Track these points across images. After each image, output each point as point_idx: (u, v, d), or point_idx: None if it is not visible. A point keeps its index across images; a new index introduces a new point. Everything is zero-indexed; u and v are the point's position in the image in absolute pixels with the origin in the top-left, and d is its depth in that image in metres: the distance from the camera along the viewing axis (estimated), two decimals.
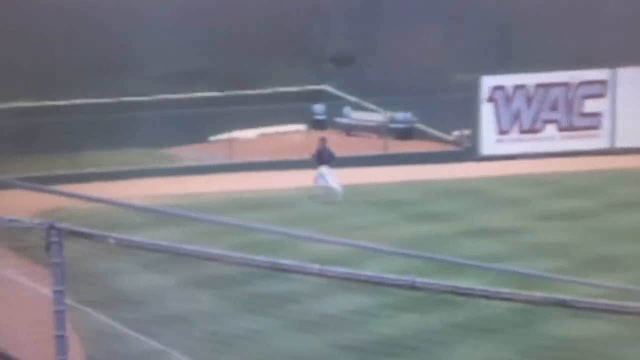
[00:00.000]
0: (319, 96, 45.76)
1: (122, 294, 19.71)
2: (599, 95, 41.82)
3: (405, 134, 42.87)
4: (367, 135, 43.48)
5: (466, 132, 41.96)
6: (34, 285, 16.77)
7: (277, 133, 43.07)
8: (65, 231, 7.86)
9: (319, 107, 45.28)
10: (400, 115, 43.22)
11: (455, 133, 42.16)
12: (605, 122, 41.83)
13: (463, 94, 40.43)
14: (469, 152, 41.29)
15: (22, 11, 42.05)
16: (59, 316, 7.94)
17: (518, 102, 41.69)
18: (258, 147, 41.37)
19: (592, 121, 41.89)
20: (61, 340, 7.94)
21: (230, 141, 40.91)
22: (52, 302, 7.95)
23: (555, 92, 41.81)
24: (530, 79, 41.56)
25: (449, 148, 41.81)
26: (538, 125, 41.91)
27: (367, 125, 43.86)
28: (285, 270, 7.69)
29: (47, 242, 7.83)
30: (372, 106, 43.97)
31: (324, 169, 34.44)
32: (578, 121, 41.90)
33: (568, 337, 17.42)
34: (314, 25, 45.23)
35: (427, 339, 18.06)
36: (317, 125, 44.48)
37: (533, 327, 17.20)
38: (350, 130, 44.48)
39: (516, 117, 41.80)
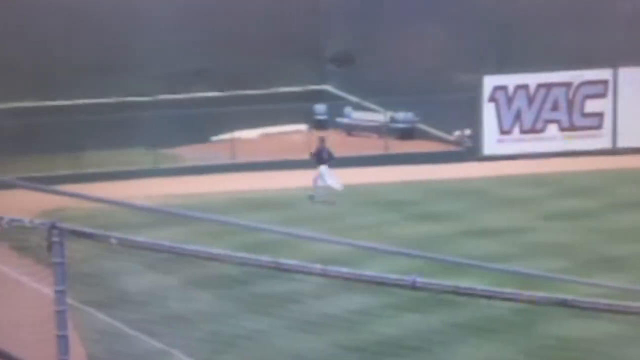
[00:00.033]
0: (320, 96, 45.77)
1: (124, 294, 19.71)
2: (601, 95, 41.80)
3: (407, 134, 42.86)
4: (368, 135, 43.47)
5: (467, 132, 41.95)
6: (36, 285, 16.78)
7: (279, 133, 43.07)
8: (67, 231, 7.86)
9: (320, 107, 45.29)
10: (401, 115, 43.21)
11: (457, 133, 42.16)
12: (607, 122, 41.81)
13: (464, 94, 40.44)
14: (470, 152, 41.28)
15: (22, 11, 42.06)
16: (60, 316, 7.94)
17: (519, 102, 41.68)
18: (260, 147, 41.38)
19: (594, 121, 41.87)
20: (62, 340, 7.95)
21: (232, 141, 40.92)
22: (53, 302, 7.95)
23: (557, 92, 41.79)
24: (531, 79, 41.54)
25: (450, 148, 41.80)
26: (539, 125, 41.89)
27: (368, 125, 43.86)
28: (287, 270, 7.68)
29: (49, 242, 7.83)
30: (373, 106, 43.96)
31: (323, 169, 34.41)
32: (580, 121, 41.88)
33: (570, 337, 17.42)
34: (315, 25, 45.23)
35: (429, 339, 18.06)
36: (319, 125, 44.49)
37: (535, 327, 17.21)
38: (351, 130, 44.48)
39: (517, 117, 41.79)
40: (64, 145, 37.45)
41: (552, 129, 41.88)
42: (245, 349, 17.20)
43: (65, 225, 7.86)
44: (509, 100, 41.70)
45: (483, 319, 14.85)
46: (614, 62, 41.25)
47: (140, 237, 8.29)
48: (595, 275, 21.88)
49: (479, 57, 42.46)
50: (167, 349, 17.46)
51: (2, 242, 20.27)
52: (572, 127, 41.85)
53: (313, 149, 35.65)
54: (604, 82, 41.75)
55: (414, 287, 7.35)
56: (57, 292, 7.94)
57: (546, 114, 41.82)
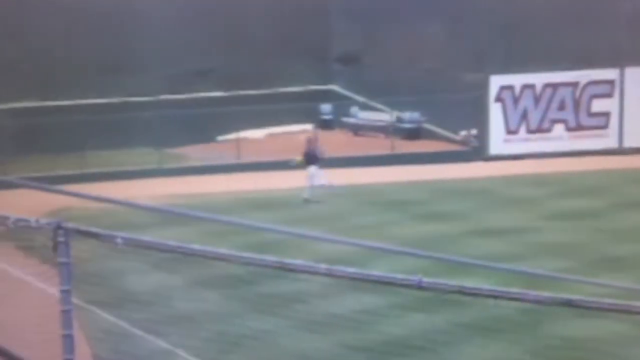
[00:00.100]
0: (326, 96, 45.79)
1: (129, 294, 19.73)
2: (607, 95, 41.76)
3: (413, 133, 42.86)
4: (375, 135, 43.48)
5: (473, 131, 41.94)
6: (41, 284, 16.80)
7: (285, 133, 43.08)
8: (73, 231, 7.86)
9: (326, 107, 45.30)
10: (407, 115, 43.21)
11: (463, 133, 42.14)
12: (613, 121, 41.78)
13: (471, 93, 40.43)
14: (476, 151, 41.27)
15: (22, 11, 42.11)
16: (66, 315, 7.95)
17: (526, 102, 41.65)
18: (265, 147, 41.39)
19: (600, 121, 41.84)
20: (68, 340, 7.95)
21: (237, 141, 40.94)
22: (59, 302, 7.96)
23: (563, 92, 41.76)
24: (538, 79, 41.52)
25: (457, 148, 41.80)
26: (546, 125, 41.86)
27: (374, 125, 43.86)
28: (292, 270, 7.68)
29: (54, 242, 7.84)
30: (379, 106, 43.97)
31: (312, 169, 34.29)
32: (586, 121, 41.85)
33: (575, 337, 17.40)
34: (321, 25, 45.24)
35: (434, 339, 18.05)
36: (325, 125, 44.52)
37: (540, 327, 17.18)
38: (357, 130, 44.49)
39: (524, 116, 41.76)
40: (68, 146, 37.51)
41: (559, 128, 41.85)
42: (251, 349, 17.20)
43: (71, 225, 7.86)
44: (516, 100, 41.67)
45: (489, 318, 14.83)
46: (620, 62, 41.21)
47: (146, 237, 8.29)
48: (601, 275, 21.86)
49: (486, 56, 42.45)
50: (173, 349, 17.46)
51: (8, 242, 20.32)
52: (579, 127, 41.82)
53: (302, 151, 35.12)
54: (611, 82, 41.72)
55: (419, 287, 7.35)
56: (62, 291, 7.95)
57: (553, 114, 41.80)
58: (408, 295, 9.35)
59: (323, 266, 7.61)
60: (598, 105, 41.70)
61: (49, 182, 26.60)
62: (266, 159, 39.55)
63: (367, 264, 18.53)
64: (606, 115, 41.81)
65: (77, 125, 37.51)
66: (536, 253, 26.13)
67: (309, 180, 33.97)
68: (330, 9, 46.05)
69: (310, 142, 35.45)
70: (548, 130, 41.82)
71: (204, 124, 41.39)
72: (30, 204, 17.96)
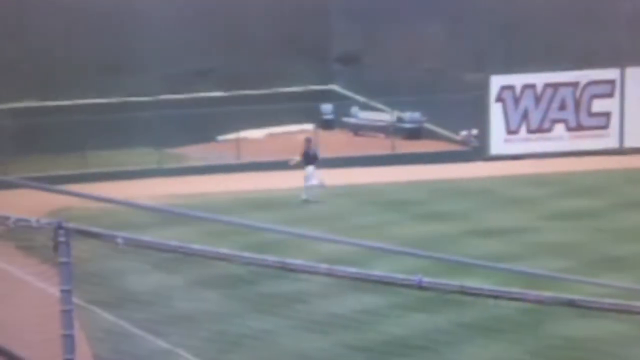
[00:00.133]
0: (326, 96, 45.78)
1: (130, 294, 19.73)
2: (608, 95, 41.76)
3: (414, 133, 42.85)
4: (375, 135, 43.47)
5: (474, 131, 41.93)
6: (42, 284, 16.79)
7: (285, 133, 43.07)
8: (73, 231, 7.87)
9: (326, 107, 45.29)
10: (408, 115, 43.20)
11: (463, 133, 42.14)
12: (614, 121, 41.77)
13: (471, 93, 40.43)
14: (477, 151, 41.27)
15: (22, 11, 42.10)
16: (66, 315, 7.95)
17: (526, 102, 41.65)
18: (266, 147, 41.37)
19: (601, 121, 41.83)
20: (68, 340, 7.95)
21: (237, 141, 40.93)
22: (59, 302, 7.96)
23: (564, 92, 41.75)
24: (538, 79, 41.52)
25: (457, 148, 41.80)
26: (546, 125, 41.86)
27: (375, 125, 43.85)
28: (293, 270, 7.68)
29: (55, 242, 7.84)
30: (380, 106, 43.96)
31: (310, 169, 34.30)
32: (587, 121, 41.84)
33: (576, 337, 17.40)
34: (322, 25, 45.24)
35: (435, 339, 18.04)
36: (325, 125, 44.52)
37: (541, 327, 17.17)
38: (358, 130, 44.47)
39: (524, 116, 41.76)
40: (68, 146, 37.52)
41: (559, 128, 41.84)
42: (251, 349, 17.19)
43: (72, 225, 7.87)
44: (516, 100, 41.67)
45: (490, 318, 14.82)
46: (621, 61, 41.21)
47: (146, 237, 8.29)
48: (601, 275, 21.85)
49: (486, 56, 42.45)
50: (173, 349, 17.46)
51: (8, 242, 20.32)
52: (579, 127, 41.81)
53: (301, 151, 35.14)
54: (611, 82, 41.71)
55: (420, 286, 7.35)
56: (63, 291, 7.95)
57: (553, 114, 41.79)
58: (408, 295, 9.34)
59: (324, 266, 7.62)
60: (599, 105, 41.70)
61: (49, 182, 26.60)
62: (266, 159, 39.54)
63: (367, 264, 18.51)
64: (607, 115, 41.80)
65: (77, 125, 37.51)
66: (536, 253, 26.12)
67: (306, 181, 33.97)
68: (330, 9, 46.04)
69: (309, 142, 35.48)
70: (549, 130, 41.81)
71: (204, 124, 41.39)
72: (30, 204, 17.97)
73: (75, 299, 8.02)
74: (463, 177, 37.42)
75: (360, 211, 32.36)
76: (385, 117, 43.24)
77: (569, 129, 41.86)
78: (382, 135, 42.97)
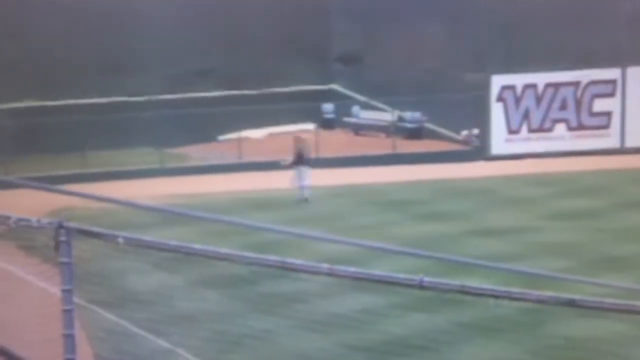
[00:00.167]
0: (327, 96, 45.77)
1: (130, 294, 19.73)
2: (609, 95, 41.74)
3: (415, 133, 42.84)
4: (376, 134, 43.47)
5: (475, 131, 41.93)
6: (43, 284, 16.80)
7: (286, 132, 43.06)
8: (74, 230, 7.87)
9: (327, 107, 45.28)
10: (409, 114, 43.19)
11: (464, 132, 42.14)
12: (615, 121, 41.76)
13: (472, 93, 40.43)
14: (478, 151, 41.27)
15: (22, 11, 42.11)
16: (67, 315, 7.95)
17: (527, 102, 41.64)
18: (266, 147, 41.36)
19: (602, 121, 41.82)
20: (69, 339, 7.96)
21: (239, 141, 40.94)
22: (60, 301, 7.96)
23: (565, 92, 41.74)
24: (539, 79, 41.51)
25: (458, 148, 41.80)
26: (547, 124, 41.85)
27: (376, 125, 43.84)
28: (294, 269, 7.69)
29: (56, 242, 7.84)
30: (381, 106, 43.96)
31: (304, 169, 34.32)
32: (588, 121, 41.83)
33: (576, 337, 17.40)
34: (322, 24, 45.24)
35: (436, 338, 18.05)
36: (326, 124, 44.51)
37: (542, 327, 17.19)
38: (359, 129, 44.47)
39: (525, 116, 41.75)
40: (69, 145, 37.52)
41: (560, 128, 41.83)
42: (252, 349, 17.20)
43: (73, 224, 7.87)
44: (517, 99, 41.66)
45: (490, 318, 14.83)
46: (622, 61, 41.20)
47: (147, 237, 8.30)
48: (602, 275, 21.86)
49: (486, 56, 42.45)
50: (174, 349, 17.46)
51: (9, 242, 20.31)
52: (580, 127, 41.80)
53: (294, 152, 35.14)
54: (613, 82, 41.70)
55: (421, 286, 7.36)
56: (64, 291, 7.95)
57: (554, 114, 41.78)
58: (409, 295, 9.35)
59: (325, 266, 7.62)
60: (600, 105, 41.69)
61: (50, 182, 26.60)
62: (267, 158, 39.54)
63: (367, 264, 18.48)
64: (608, 115, 41.80)
65: (77, 125, 37.51)
66: (536, 253, 26.13)
67: (299, 181, 33.97)
68: (330, 9, 46.04)
69: (299, 141, 35.46)
70: (549, 130, 41.80)
71: (204, 124, 41.39)
72: (31, 204, 17.95)
73: (76, 299, 8.02)
74: (464, 176, 37.41)
75: (361, 211, 32.36)
76: (386, 116, 43.24)
77: (570, 128, 41.85)
78: (383, 135, 42.97)
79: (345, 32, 45.67)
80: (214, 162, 40.17)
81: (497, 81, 41.58)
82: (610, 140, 41.53)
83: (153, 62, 42.74)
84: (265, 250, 9.19)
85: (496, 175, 37.62)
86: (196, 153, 41.65)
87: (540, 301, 7.27)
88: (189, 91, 43.54)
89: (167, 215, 26.96)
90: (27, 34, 41.55)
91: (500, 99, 41.62)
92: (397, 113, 43.10)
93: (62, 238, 7.82)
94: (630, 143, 41.28)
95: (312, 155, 37.13)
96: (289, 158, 34.63)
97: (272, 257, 7.71)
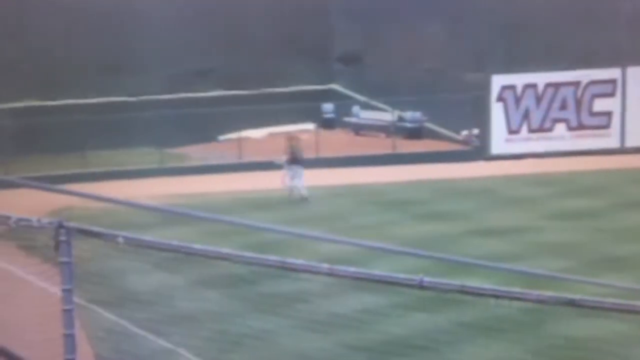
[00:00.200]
0: (327, 95, 45.79)
1: (131, 293, 19.73)
2: (609, 95, 41.75)
3: (415, 133, 42.85)
4: (376, 134, 43.47)
5: (475, 131, 41.94)
6: (43, 284, 16.79)
7: (286, 132, 43.05)
8: (74, 230, 7.87)
9: (327, 106, 45.29)
10: (409, 114, 43.20)
11: (464, 132, 42.15)
12: (615, 121, 41.76)
13: (472, 93, 40.44)
14: (478, 151, 41.27)
15: (22, 11, 42.12)
16: (67, 315, 7.94)
17: (527, 102, 41.65)
18: (267, 147, 41.35)
19: (602, 120, 41.82)
20: (69, 339, 7.95)
21: (239, 141, 40.95)
22: (60, 301, 7.96)
23: (565, 92, 41.75)
24: (540, 78, 41.51)
25: (458, 147, 41.81)
26: (547, 124, 41.85)
27: (376, 125, 43.85)
28: (294, 269, 7.68)
29: (56, 241, 7.84)
30: (381, 105, 43.97)
31: (296, 168, 34.36)
32: (588, 120, 41.83)
33: (578, 337, 17.38)
34: (323, 24, 45.25)
35: (436, 338, 18.04)
36: (326, 124, 44.52)
37: (543, 327, 17.17)
38: (359, 129, 44.47)
39: (525, 116, 41.75)
40: (69, 145, 37.54)
41: (560, 128, 41.84)
42: (252, 349, 17.19)
43: (73, 224, 7.87)
44: (517, 99, 41.67)
45: (491, 318, 14.82)
46: (622, 61, 41.20)
47: (147, 237, 8.29)
48: (603, 275, 21.85)
49: (486, 56, 42.45)
50: (174, 349, 17.46)
51: (9, 242, 20.30)
52: (581, 127, 41.80)
53: (287, 151, 35.16)
54: (613, 82, 41.70)
55: (421, 286, 7.35)
56: (64, 291, 7.95)
57: (554, 113, 41.79)
58: (409, 294, 9.35)
59: (325, 266, 7.61)
60: (600, 105, 41.69)
61: (50, 182, 26.59)
62: (267, 159, 39.51)
63: (367, 264, 18.48)
64: (608, 114, 41.80)
65: (77, 125, 37.53)
66: (537, 253, 26.12)
67: (290, 180, 33.99)
68: (331, 9, 46.05)
69: (292, 141, 35.48)
70: (550, 129, 41.81)
71: (204, 124, 41.40)
72: (31, 204, 17.94)
73: (76, 299, 8.01)
74: (464, 176, 37.41)
75: (361, 211, 32.36)
76: (386, 116, 43.25)
77: (570, 128, 41.86)
78: (383, 135, 42.98)
79: (346, 32, 45.67)
80: (214, 162, 40.18)
81: (497, 81, 41.59)
82: (610, 140, 41.54)
83: (153, 62, 42.75)
84: (265, 250, 9.19)
85: (496, 175, 37.62)
86: (196, 153, 41.65)
87: (541, 301, 7.27)
88: (189, 91, 43.56)
89: (167, 215, 26.95)
90: (27, 34, 41.55)
91: (500, 98, 41.62)
92: (397, 113, 43.11)
93: (62, 238, 7.81)
94: (630, 143, 41.28)
95: (312, 155, 37.17)
96: (283, 157, 34.68)
97: (272, 257, 7.71)
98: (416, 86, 41.58)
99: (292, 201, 33.49)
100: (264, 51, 44.10)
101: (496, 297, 7.37)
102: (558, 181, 36.41)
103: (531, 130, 41.76)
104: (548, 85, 41.62)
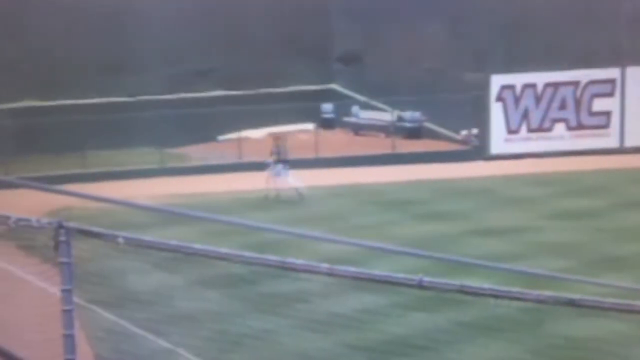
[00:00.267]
0: (327, 95, 45.79)
1: (130, 293, 19.72)
2: (608, 94, 41.75)
3: (414, 133, 42.86)
4: (376, 134, 43.47)
5: (474, 131, 41.95)
6: (42, 284, 16.79)
7: (286, 132, 43.05)
8: (74, 230, 7.87)
9: (327, 106, 45.29)
10: (408, 114, 43.21)
11: (464, 132, 42.16)
12: (615, 121, 41.77)
13: (472, 93, 40.45)
14: (477, 151, 41.28)
15: (22, 11, 42.12)
16: (67, 315, 7.94)
17: (527, 101, 41.65)
18: (267, 147, 41.32)
19: (601, 120, 41.83)
20: (69, 340, 7.95)
21: (239, 140, 40.95)
22: (60, 301, 7.96)
23: (564, 91, 41.75)
24: (539, 78, 41.51)
25: (458, 147, 41.81)
26: (547, 124, 41.85)
27: (375, 125, 43.85)
28: (294, 269, 7.68)
29: (55, 242, 7.84)
30: (380, 105, 43.97)
31: (280, 167, 34.43)
32: (587, 120, 41.83)
33: (577, 337, 17.39)
34: (322, 24, 45.25)
35: (436, 338, 18.04)
36: (326, 124, 44.52)
37: (542, 327, 17.18)
38: (358, 129, 44.48)
39: (525, 116, 41.76)
40: (69, 145, 37.55)
41: (560, 128, 41.84)
42: (252, 349, 17.19)
43: (72, 224, 7.87)
44: (517, 99, 41.67)
45: (490, 318, 14.82)
46: (621, 61, 41.21)
47: (147, 237, 8.29)
48: (602, 275, 21.85)
49: (486, 56, 42.45)
50: (174, 349, 17.46)
51: (9, 242, 20.31)
52: (580, 126, 41.80)
53: (273, 151, 35.25)
54: (612, 81, 41.71)
55: (420, 286, 7.36)
56: (63, 291, 7.95)
57: (553, 113, 41.80)
58: (409, 294, 9.36)
59: (325, 265, 7.62)
60: (599, 105, 41.70)
61: (50, 182, 26.62)
62: (267, 159, 39.48)
63: (367, 264, 18.48)
64: (607, 114, 41.80)
65: (77, 125, 37.53)
66: (537, 253, 26.13)
67: (273, 181, 34.04)
68: (331, 9, 46.05)
69: (277, 141, 35.51)
70: (549, 129, 41.81)
71: (204, 124, 41.41)
72: (30, 204, 17.95)
73: (76, 299, 8.01)
74: (463, 176, 37.41)
75: (361, 211, 32.36)
76: (386, 116, 43.25)
77: (570, 128, 41.86)
78: (382, 135, 42.98)
79: (346, 32, 45.67)
80: (214, 162, 40.18)
81: (497, 81, 41.59)
82: (609, 139, 41.54)
83: (153, 62, 42.76)
84: (265, 250, 9.19)
85: (496, 175, 37.62)
86: (196, 153, 41.65)
87: (540, 301, 7.27)
88: (189, 91, 43.56)
89: (167, 215, 26.96)
90: (27, 34, 41.56)
91: (499, 98, 41.63)
92: (396, 113, 43.11)
93: (62, 238, 7.81)
94: (629, 142, 41.29)
95: (312, 155, 37.15)
96: (271, 158, 34.78)
97: (272, 257, 7.71)
98: (416, 86, 41.59)
99: (280, 201, 33.49)
100: (264, 51, 44.10)
101: (495, 296, 7.38)
102: (557, 181, 36.42)
103: (530, 130, 41.77)
104: (547, 85, 41.63)
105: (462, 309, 15.72)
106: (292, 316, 17.94)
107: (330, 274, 7.55)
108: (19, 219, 8.05)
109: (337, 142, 41.01)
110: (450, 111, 39.70)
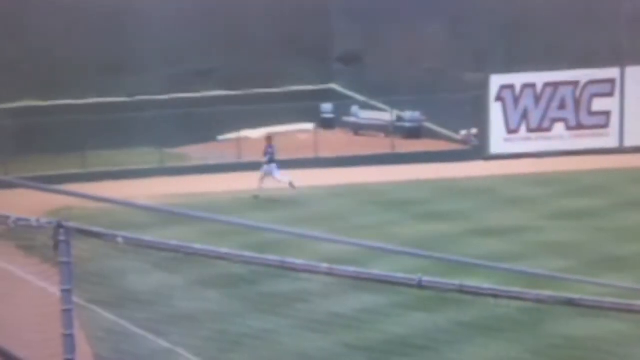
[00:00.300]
0: (326, 95, 45.79)
1: (130, 293, 19.72)
2: (608, 94, 41.75)
3: (413, 133, 42.87)
4: (375, 134, 43.48)
5: (474, 131, 41.95)
6: (42, 284, 16.80)
7: (286, 132, 43.08)
8: (74, 230, 7.87)
9: (326, 106, 45.30)
10: (408, 114, 43.22)
11: (463, 132, 42.16)
12: (614, 121, 41.77)
13: (471, 93, 40.45)
14: (477, 151, 41.28)
15: (22, 11, 42.13)
16: (67, 315, 7.95)
17: (526, 101, 41.65)
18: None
19: (601, 120, 41.83)
20: (69, 339, 7.95)
21: (238, 140, 40.95)
22: (59, 301, 7.96)
23: (564, 91, 41.76)
24: (538, 78, 41.51)
25: (457, 147, 41.81)
26: (546, 124, 41.85)
27: (375, 125, 43.86)
28: (293, 269, 7.68)
29: (55, 241, 7.84)
30: (380, 105, 43.97)
31: (271, 167, 34.50)
32: (586, 120, 41.83)
33: (577, 336, 17.39)
34: (322, 24, 45.25)
35: (436, 338, 18.04)
36: (325, 124, 44.52)
37: (542, 326, 17.17)
38: (358, 129, 44.48)
39: (524, 116, 41.76)
40: (69, 145, 37.56)
41: (559, 128, 41.84)
42: (252, 348, 17.19)
43: (72, 224, 7.87)
44: (516, 99, 41.68)
45: (490, 318, 14.82)
46: (621, 61, 41.21)
47: (147, 237, 8.29)
48: (602, 275, 21.85)
49: (486, 56, 42.45)
50: (174, 348, 17.46)
51: (8, 242, 20.30)
52: (579, 126, 41.81)
53: (266, 152, 35.33)
54: (611, 81, 41.72)
55: (420, 286, 7.36)
56: (63, 291, 7.95)
57: (553, 113, 41.80)
58: (409, 294, 9.35)
59: (324, 265, 7.62)
60: (598, 105, 41.70)
61: (50, 182, 26.64)
62: (266, 158, 39.46)
63: (367, 263, 18.48)
64: (607, 114, 41.81)
65: (77, 125, 37.53)
66: (537, 253, 26.12)
67: (261, 181, 34.10)
68: (330, 9, 46.05)
69: (269, 141, 35.57)
70: (548, 129, 41.82)
71: (204, 124, 41.41)
72: (30, 204, 17.95)
73: (75, 299, 8.02)
74: (463, 176, 37.41)
75: (361, 211, 32.36)
76: (386, 116, 43.25)
77: (569, 128, 41.86)
78: (382, 135, 42.98)
79: (345, 32, 45.67)
80: (214, 162, 40.19)
81: (496, 81, 41.60)
82: (609, 139, 41.55)
83: (153, 62, 42.76)
84: (265, 250, 9.19)
85: (495, 174, 37.62)
86: (196, 153, 41.65)
87: (540, 301, 7.27)
88: (189, 91, 43.56)
89: (167, 215, 26.96)
90: (27, 34, 41.56)
91: (499, 98, 41.63)
92: (396, 113, 43.11)
93: (62, 238, 7.81)
94: (629, 142, 41.29)
95: (312, 155, 37.14)
96: (264, 158, 34.85)
97: (272, 257, 7.71)
98: (416, 86, 41.59)
99: (256, 198, 33.55)
100: (264, 51, 44.10)
101: (495, 296, 7.38)
102: (557, 181, 36.42)
103: (530, 130, 41.77)
104: (547, 84, 41.64)
105: (462, 309, 15.71)
106: (292, 316, 17.93)
107: (330, 273, 7.55)
108: (19, 219, 8.05)
109: (337, 142, 41.01)
110: (450, 111, 39.71)
